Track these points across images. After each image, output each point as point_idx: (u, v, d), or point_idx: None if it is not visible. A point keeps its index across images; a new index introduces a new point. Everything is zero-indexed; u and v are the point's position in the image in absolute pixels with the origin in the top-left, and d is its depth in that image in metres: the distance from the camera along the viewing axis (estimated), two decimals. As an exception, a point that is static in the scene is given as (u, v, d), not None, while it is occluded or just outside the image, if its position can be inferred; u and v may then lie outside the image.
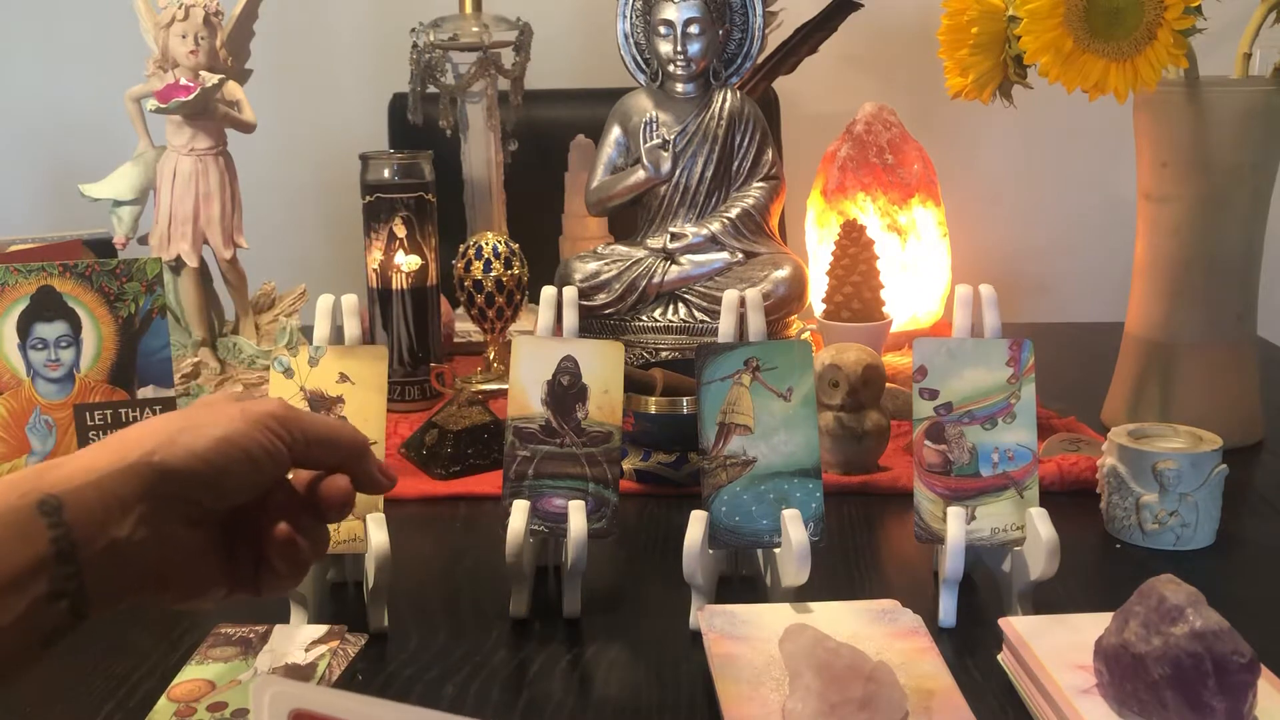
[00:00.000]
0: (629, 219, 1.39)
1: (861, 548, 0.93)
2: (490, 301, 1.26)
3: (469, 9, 1.43)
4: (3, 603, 0.46)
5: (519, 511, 0.81)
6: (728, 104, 1.32)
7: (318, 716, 0.45)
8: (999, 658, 0.75)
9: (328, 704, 0.46)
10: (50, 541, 0.47)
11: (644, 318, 1.30)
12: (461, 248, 1.28)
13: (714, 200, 1.33)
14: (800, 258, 1.33)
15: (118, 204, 1.30)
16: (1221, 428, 0.96)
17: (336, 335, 0.85)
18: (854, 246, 1.28)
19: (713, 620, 0.74)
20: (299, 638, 0.77)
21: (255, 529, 0.57)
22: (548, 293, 0.87)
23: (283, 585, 0.58)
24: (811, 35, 1.48)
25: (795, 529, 0.77)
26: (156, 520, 0.51)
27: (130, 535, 0.50)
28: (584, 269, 1.30)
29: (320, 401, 0.83)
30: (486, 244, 1.27)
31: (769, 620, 0.74)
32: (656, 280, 1.30)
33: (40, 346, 0.91)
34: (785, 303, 1.29)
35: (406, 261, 1.25)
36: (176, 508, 0.52)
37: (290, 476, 0.58)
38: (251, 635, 0.77)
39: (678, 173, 1.32)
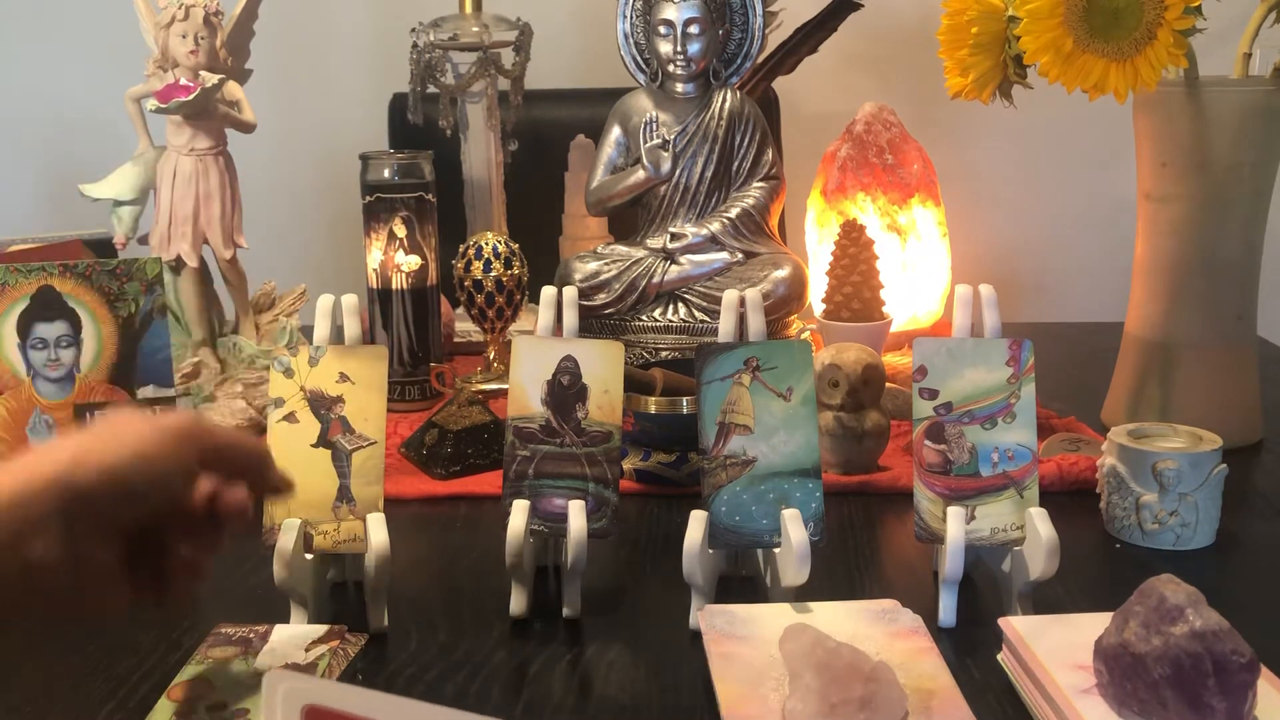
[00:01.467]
0: (629, 219, 1.39)
1: (861, 548, 0.93)
2: (490, 301, 1.26)
3: (469, 9, 1.43)
4: None
5: (519, 511, 0.81)
6: (728, 104, 1.32)
7: (331, 712, 0.45)
8: (999, 658, 0.75)
9: (341, 700, 0.46)
10: None
11: (644, 318, 1.30)
12: (461, 248, 1.28)
13: (714, 200, 1.33)
14: (800, 258, 1.33)
15: (118, 204, 1.30)
16: (1221, 428, 0.96)
17: (336, 335, 0.85)
18: (854, 246, 1.28)
19: (713, 620, 0.74)
20: (299, 637, 0.77)
21: (158, 541, 0.58)
22: (548, 293, 0.87)
23: (179, 588, 0.59)
24: (811, 35, 1.48)
25: (795, 529, 0.77)
26: (69, 540, 0.51)
27: (43, 557, 0.50)
28: (584, 269, 1.30)
29: (320, 401, 0.83)
30: (486, 244, 1.27)
31: (769, 620, 0.74)
32: (656, 280, 1.30)
33: (40, 346, 0.91)
34: (785, 303, 1.29)
35: (406, 261, 1.25)
36: (88, 525, 0.52)
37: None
38: (251, 635, 0.77)
39: (678, 173, 1.32)
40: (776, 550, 0.80)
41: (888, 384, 1.09)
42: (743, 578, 0.87)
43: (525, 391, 0.85)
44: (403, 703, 0.48)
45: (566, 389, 0.84)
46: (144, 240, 1.30)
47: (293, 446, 0.82)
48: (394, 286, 1.26)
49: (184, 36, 1.20)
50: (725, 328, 0.84)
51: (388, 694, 0.48)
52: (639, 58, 1.36)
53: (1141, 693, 0.62)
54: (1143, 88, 0.98)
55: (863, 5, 1.48)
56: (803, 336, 1.29)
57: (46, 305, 0.91)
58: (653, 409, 1.03)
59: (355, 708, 0.46)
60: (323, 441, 0.82)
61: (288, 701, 0.44)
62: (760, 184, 1.33)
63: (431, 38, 1.38)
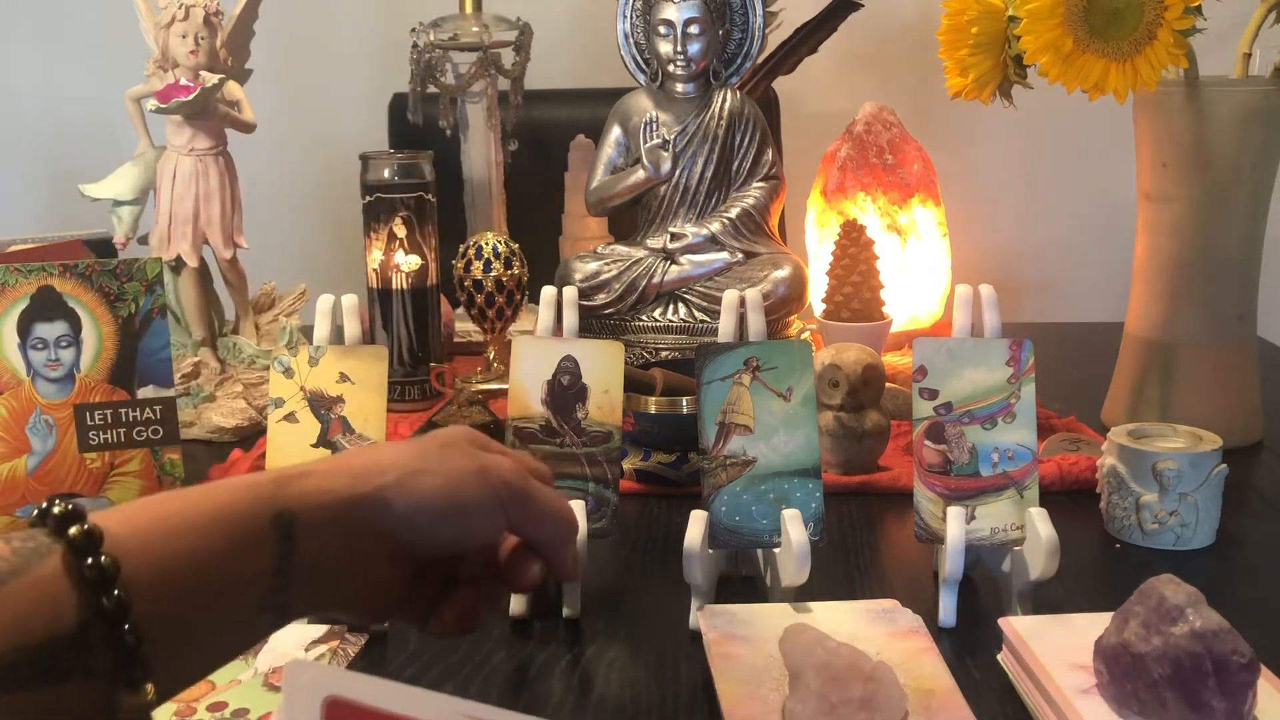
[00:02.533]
0: (629, 219, 1.39)
1: (861, 548, 0.93)
2: (490, 301, 1.26)
3: (469, 9, 1.43)
4: (218, 606, 0.47)
5: (519, 511, 0.80)
6: (728, 104, 1.32)
7: (353, 704, 0.44)
8: (999, 658, 0.75)
9: (363, 691, 0.45)
10: (275, 557, 0.48)
11: (644, 318, 1.30)
12: (461, 248, 1.28)
13: (714, 200, 1.33)
14: (800, 258, 1.33)
15: (118, 204, 1.30)
16: (1221, 428, 0.96)
17: (336, 335, 0.85)
18: (854, 246, 1.28)
19: (713, 620, 0.74)
20: (299, 638, 0.77)
21: (442, 574, 0.57)
22: (548, 293, 0.87)
23: (447, 634, 0.59)
24: (811, 35, 1.48)
25: (795, 529, 0.77)
26: (363, 551, 0.52)
27: (337, 561, 0.51)
28: (584, 269, 1.30)
29: (320, 401, 0.83)
30: (486, 244, 1.27)
31: (769, 620, 0.74)
32: (656, 280, 1.30)
33: (40, 346, 0.91)
34: (785, 303, 1.29)
35: (406, 261, 1.25)
36: (384, 543, 0.52)
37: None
38: (251, 635, 0.77)
39: (678, 173, 1.32)
40: (776, 550, 0.80)
41: (888, 384, 1.09)
42: (743, 578, 0.87)
43: (525, 391, 0.85)
44: (425, 695, 0.48)
45: (566, 389, 0.84)
46: (144, 240, 1.30)
47: (293, 446, 0.82)
48: (394, 286, 1.26)
49: (184, 36, 1.20)
50: (725, 328, 0.84)
51: (410, 686, 0.48)
52: (639, 58, 1.36)
53: (1141, 693, 0.62)
54: (1143, 88, 0.98)
55: (863, 5, 1.48)
56: (803, 336, 1.29)
57: (46, 305, 0.91)
58: (653, 409, 1.03)
59: (377, 700, 0.45)
60: (323, 441, 0.82)
61: (309, 692, 0.44)
62: (760, 184, 1.33)
63: (431, 38, 1.38)
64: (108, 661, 0.42)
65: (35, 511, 0.45)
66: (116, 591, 0.42)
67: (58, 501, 0.45)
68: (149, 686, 0.43)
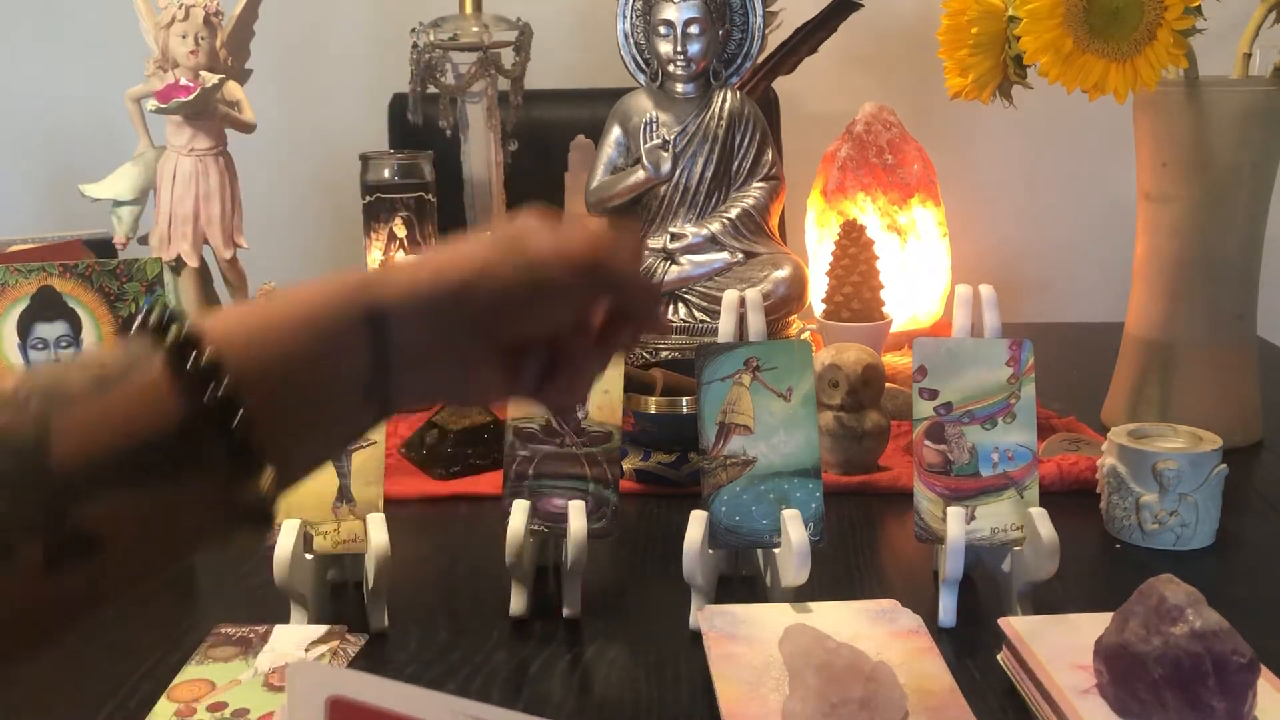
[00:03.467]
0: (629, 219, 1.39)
1: (861, 548, 0.93)
2: (490, 301, 1.26)
3: (469, 9, 1.43)
4: (321, 401, 0.48)
5: (519, 511, 0.81)
6: (728, 104, 1.32)
7: (355, 704, 0.45)
8: (999, 658, 0.75)
9: (365, 691, 0.45)
10: (370, 353, 0.49)
11: (644, 318, 1.30)
12: (461, 248, 1.28)
13: (714, 200, 1.33)
14: (800, 258, 1.33)
15: (118, 204, 1.30)
16: (1221, 428, 0.96)
17: (336, 335, 0.85)
18: (854, 246, 1.28)
19: (713, 620, 0.74)
20: (299, 638, 0.77)
21: (542, 352, 0.58)
22: (548, 293, 0.87)
23: (560, 404, 0.59)
24: (811, 35, 1.48)
25: (795, 529, 0.77)
26: (457, 342, 0.53)
27: (432, 353, 0.52)
28: (584, 269, 1.30)
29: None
30: (486, 244, 1.27)
31: (769, 620, 0.74)
32: (656, 280, 1.30)
33: (40, 346, 0.91)
34: (785, 303, 1.29)
35: (406, 261, 1.25)
36: (475, 333, 0.53)
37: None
38: (251, 635, 0.77)
39: (678, 173, 1.32)
40: (776, 550, 0.80)
41: (888, 384, 1.09)
42: (743, 578, 0.87)
43: (525, 391, 0.85)
44: (427, 694, 0.48)
45: (566, 389, 0.84)
46: (144, 240, 1.30)
47: (293, 446, 0.82)
48: (394, 286, 1.25)
49: (184, 36, 1.20)
50: (725, 328, 0.84)
51: (412, 685, 0.48)
52: (639, 58, 1.36)
53: (1141, 693, 0.62)
54: (1143, 88, 0.98)
55: (863, 5, 1.48)
56: (803, 336, 1.29)
57: (46, 305, 0.91)
58: (653, 409, 1.03)
59: (380, 699, 0.45)
60: (323, 441, 0.82)
61: (312, 692, 0.44)
62: (760, 184, 1.33)
63: (431, 38, 1.38)
64: (221, 454, 0.44)
65: (135, 322, 0.46)
66: (223, 387, 0.44)
67: (154, 308, 0.46)
68: (267, 472, 0.44)
